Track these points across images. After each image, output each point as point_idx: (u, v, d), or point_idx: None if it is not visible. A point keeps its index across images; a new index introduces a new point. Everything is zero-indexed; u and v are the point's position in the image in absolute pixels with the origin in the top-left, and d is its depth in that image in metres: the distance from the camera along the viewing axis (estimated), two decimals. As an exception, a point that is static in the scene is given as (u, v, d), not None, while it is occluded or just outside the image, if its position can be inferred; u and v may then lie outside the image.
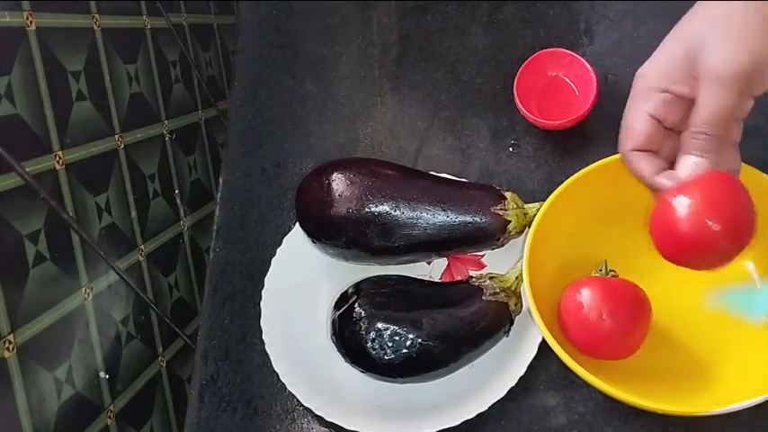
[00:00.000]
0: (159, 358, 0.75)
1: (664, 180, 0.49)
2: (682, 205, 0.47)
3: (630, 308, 0.54)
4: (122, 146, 0.72)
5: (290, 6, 0.85)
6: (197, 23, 0.96)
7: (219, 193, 0.78)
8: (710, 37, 0.46)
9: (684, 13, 0.49)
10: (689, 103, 0.48)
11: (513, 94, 0.68)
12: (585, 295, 0.53)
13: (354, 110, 0.78)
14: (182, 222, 0.84)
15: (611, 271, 0.56)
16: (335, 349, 0.59)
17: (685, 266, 0.51)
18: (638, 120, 0.50)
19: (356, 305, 0.57)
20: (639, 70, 0.51)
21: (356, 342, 0.57)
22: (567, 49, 0.69)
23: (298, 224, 0.66)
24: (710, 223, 0.46)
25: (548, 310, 0.54)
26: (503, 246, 0.63)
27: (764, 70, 0.45)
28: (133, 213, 0.73)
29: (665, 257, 0.51)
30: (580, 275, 0.60)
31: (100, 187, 0.68)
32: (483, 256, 0.67)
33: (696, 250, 0.48)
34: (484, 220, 0.60)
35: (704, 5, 0.47)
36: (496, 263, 0.65)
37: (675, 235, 0.48)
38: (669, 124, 0.51)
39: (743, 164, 0.53)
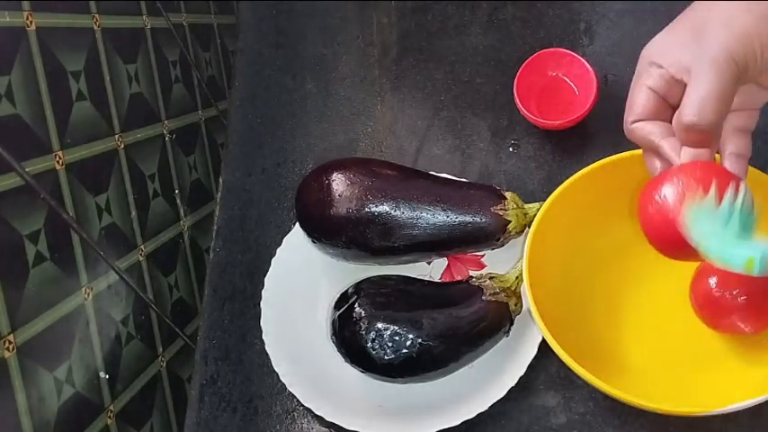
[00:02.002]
0: (159, 358, 0.75)
1: (668, 148, 0.47)
2: (667, 195, 0.45)
3: None
4: (122, 146, 0.72)
5: (290, 6, 0.85)
6: (197, 23, 0.96)
7: (219, 193, 0.78)
8: (712, 21, 0.44)
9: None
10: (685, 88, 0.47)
11: (513, 94, 0.68)
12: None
13: (354, 110, 0.78)
14: (182, 222, 0.84)
15: None
16: (335, 349, 0.59)
17: (673, 258, 0.48)
18: (638, 94, 0.49)
19: (356, 305, 0.57)
20: (645, 47, 0.50)
21: (356, 342, 0.57)
22: (567, 49, 0.69)
23: (298, 224, 0.66)
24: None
25: (547, 310, 0.54)
26: (503, 246, 0.63)
27: (757, 60, 0.44)
28: (133, 213, 0.73)
29: (655, 247, 0.48)
30: (580, 275, 0.61)
31: (100, 187, 0.68)
32: (483, 256, 0.67)
33: (680, 243, 0.44)
34: (484, 220, 0.60)
35: None
36: (496, 263, 0.65)
37: (663, 225, 0.45)
38: (672, 101, 0.48)
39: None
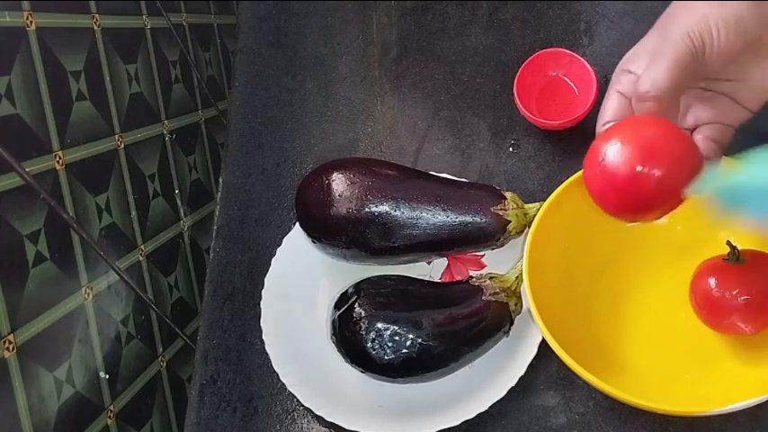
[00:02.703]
0: (159, 358, 0.75)
1: None
2: (611, 150, 0.44)
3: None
4: (122, 146, 0.73)
5: (290, 6, 0.85)
6: (197, 23, 0.96)
7: (219, 193, 0.78)
8: (677, 14, 0.47)
9: None
10: None
11: (513, 94, 0.68)
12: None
13: (354, 110, 0.78)
14: (182, 222, 0.84)
15: None
16: (335, 349, 0.59)
17: (621, 218, 0.47)
18: (608, 99, 0.51)
19: (356, 305, 0.57)
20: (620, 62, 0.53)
21: (356, 342, 0.57)
22: (567, 49, 0.69)
23: (298, 224, 0.66)
24: (642, 168, 0.43)
25: (547, 310, 0.54)
26: (503, 246, 0.63)
27: (714, 41, 0.45)
28: (133, 213, 0.73)
29: (606, 211, 0.47)
30: (580, 275, 0.61)
31: (100, 187, 0.68)
32: (483, 256, 0.67)
33: (629, 198, 0.44)
34: (484, 220, 0.60)
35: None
36: (496, 263, 0.65)
37: (610, 184, 0.45)
38: None
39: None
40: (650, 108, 0.46)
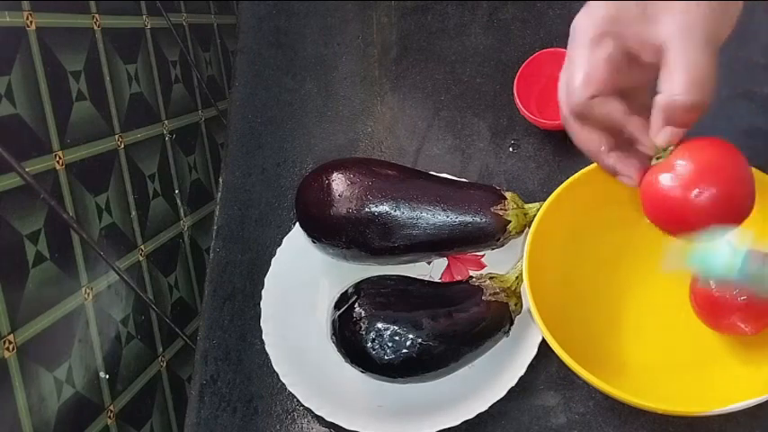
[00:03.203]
0: (159, 358, 0.75)
1: (635, 128, 0.45)
2: (673, 176, 0.44)
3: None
4: (122, 146, 0.73)
5: (290, 6, 0.85)
6: (197, 23, 0.96)
7: (219, 193, 0.78)
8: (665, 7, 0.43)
9: None
10: (640, 68, 0.45)
11: (513, 94, 0.68)
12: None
13: (354, 110, 0.78)
14: (182, 222, 0.84)
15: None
16: (335, 349, 0.59)
17: (679, 237, 0.47)
18: (596, 66, 0.44)
19: (356, 305, 0.57)
20: (585, 15, 0.45)
21: (356, 342, 0.57)
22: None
23: (298, 224, 0.66)
24: (703, 192, 0.43)
25: (547, 311, 0.54)
26: (503, 246, 0.63)
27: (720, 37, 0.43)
28: (133, 213, 0.73)
29: (663, 230, 0.47)
30: (580, 275, 0.61)
31: (100, 187, 0.68)
32: (483, 256, 0.67)
33: (692, 222, 0.44)
34: (484, 220, 0.60)
35: None
36: (496, 263, 0.65)
37: (674, 208, 0.45)
38: (620, 76, 0.45)
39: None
40: (695, 117, 0.43)
